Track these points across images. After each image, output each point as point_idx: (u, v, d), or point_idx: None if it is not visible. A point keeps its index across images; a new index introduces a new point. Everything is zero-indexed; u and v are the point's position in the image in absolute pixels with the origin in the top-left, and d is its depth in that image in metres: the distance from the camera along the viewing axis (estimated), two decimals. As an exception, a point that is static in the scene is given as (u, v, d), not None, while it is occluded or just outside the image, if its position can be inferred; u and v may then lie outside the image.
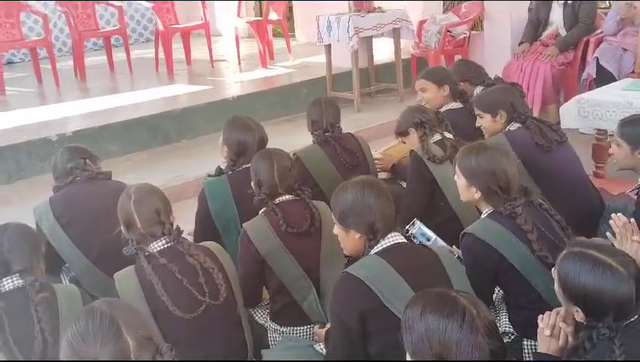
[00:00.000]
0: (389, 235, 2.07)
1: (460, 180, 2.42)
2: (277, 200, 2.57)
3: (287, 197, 2.59)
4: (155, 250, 2.19)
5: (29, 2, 7.08)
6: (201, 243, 2.33)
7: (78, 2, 6.96)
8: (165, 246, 2.21)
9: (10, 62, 7.48)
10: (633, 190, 2.77)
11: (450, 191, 2.82)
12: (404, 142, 3.23)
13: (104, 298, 1.68)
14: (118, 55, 7.08)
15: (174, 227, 2.24)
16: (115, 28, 7.35)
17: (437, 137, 3.13)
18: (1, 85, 6.15)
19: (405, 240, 2.12)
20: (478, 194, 2.36)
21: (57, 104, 5.79)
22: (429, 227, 2.72)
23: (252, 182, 2.63)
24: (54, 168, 2.99)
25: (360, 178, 2.18)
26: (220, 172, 3.08)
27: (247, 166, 2.89)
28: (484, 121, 3.25)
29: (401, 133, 3.23)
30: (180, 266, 2.16)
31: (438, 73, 3.81)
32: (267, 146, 2.99)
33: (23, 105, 5.73)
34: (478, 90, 3.96)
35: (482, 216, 2.38)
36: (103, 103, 5.65)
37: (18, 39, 6.60)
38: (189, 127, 5.29)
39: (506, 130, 3.16)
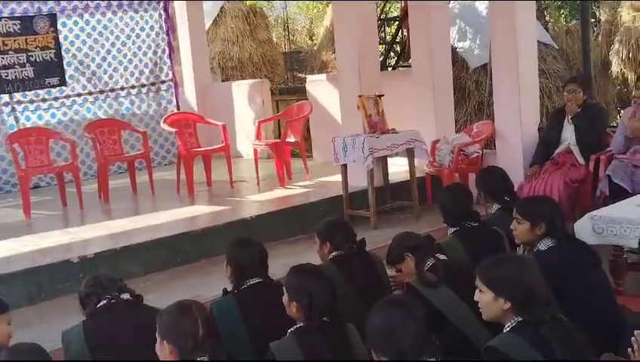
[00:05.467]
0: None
1: (485, 295, 2.41)
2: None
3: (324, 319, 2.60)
4: None
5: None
6: None
7: (105, 129, 7.30)
8: None
9: (36, 186, 7.71)
10: None
11: (455, 314, 2.83)
12: (400, 270, 3.21)
13: None
14: (142, 177, 7.31)
15: None
16: (139, 152, 7.62)
17: (430, 262, 3.11)
18: (27, 209, 6.35)
19: None
20: (507, 305, 2.34)
21: (80, 226, 5.93)
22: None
23: (294, 302, 2.62)
24: (84, 297, 2.96)
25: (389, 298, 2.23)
26: (226, 293, 3.14)
27: (252, 283, 3.04)
28: (522, 228, 3.25)
29: (396, 260, 3.23)
30: None
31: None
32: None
33: (47, 228, 5.87)
34: (494, 208, 4.12)
35: (505, 331, 2.35)
36: (125, 225, 5.78)
37: (46, 165, 6.89)
38: (208, 246, 5.35)
39: (536, 250, 3.14)
